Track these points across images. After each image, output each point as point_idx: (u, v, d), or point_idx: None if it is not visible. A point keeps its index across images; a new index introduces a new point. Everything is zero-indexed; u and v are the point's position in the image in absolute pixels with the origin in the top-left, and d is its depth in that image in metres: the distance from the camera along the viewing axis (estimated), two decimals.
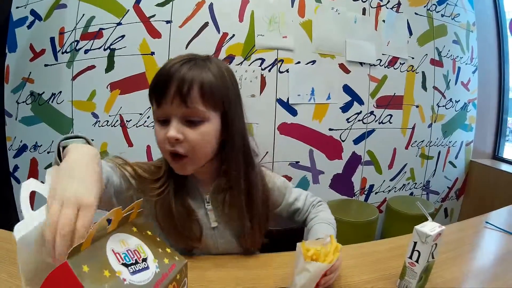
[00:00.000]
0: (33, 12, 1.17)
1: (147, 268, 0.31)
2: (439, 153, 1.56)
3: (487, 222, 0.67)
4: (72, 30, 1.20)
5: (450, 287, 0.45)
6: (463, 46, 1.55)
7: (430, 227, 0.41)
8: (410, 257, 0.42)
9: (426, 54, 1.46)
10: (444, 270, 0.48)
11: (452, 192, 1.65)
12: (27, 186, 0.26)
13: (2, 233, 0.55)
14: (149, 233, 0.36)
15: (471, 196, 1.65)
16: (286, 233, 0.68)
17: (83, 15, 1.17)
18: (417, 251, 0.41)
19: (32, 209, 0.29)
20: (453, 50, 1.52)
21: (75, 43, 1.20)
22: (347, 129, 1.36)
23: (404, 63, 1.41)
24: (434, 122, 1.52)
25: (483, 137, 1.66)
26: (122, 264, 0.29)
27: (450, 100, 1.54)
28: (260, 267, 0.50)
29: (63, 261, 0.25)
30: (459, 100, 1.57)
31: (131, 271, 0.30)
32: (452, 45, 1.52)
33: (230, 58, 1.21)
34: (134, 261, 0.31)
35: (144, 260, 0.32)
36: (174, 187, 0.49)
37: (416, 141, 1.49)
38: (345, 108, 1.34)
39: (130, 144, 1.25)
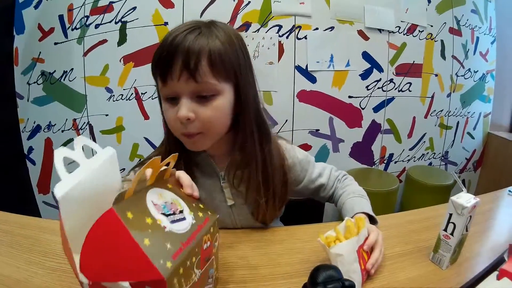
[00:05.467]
0: None
1: (184, 219, 0.32)
2: (457, 123, 1.53)
3: (510, 191, 0.64)
4: (81, 6, 1.17)
5: (481, 261, 0.43)
6: (482, 16, 1.50)
7: (465, 199, 0.39)
8: (445, 230, 0.40)
9: (445, 23, 1.41)
10: (473, 244, 0.47)
11: (470, 164, 1.63)
12: (59, 153, 0.26)
13: (18, 218, 0.53)
14: (183, 190, 0.36)
15: (488, 168, 1.63)
16: (307, 204, 0.66)
17: None
18: (453, 223, 0.39)
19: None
20: (471, 19, 1.47)
21: (85, 18, 1.17)
22: (366, 96, 1.34)
23: (423, 30, 1.37)
24: (453, 91, 1.48)
25: (500, 109, 1.63)
26: (162, 213, 0.30)
27: (469, 70, 1.50)
28: (289, 240, 0.48)
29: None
30: (477, 71, 1.53)
31: (170, 220, 0.30)
32: (471, 15, 1.47)
33: (246, 26, 1.18)
34: (172, 212, 0.31)
35: (181, 212, 0.32)
36: (184, 165, 0.45)
37: (435, 110, 1.46)
38: (365, 75, 1.31)
39: (146, 117, 1.24)
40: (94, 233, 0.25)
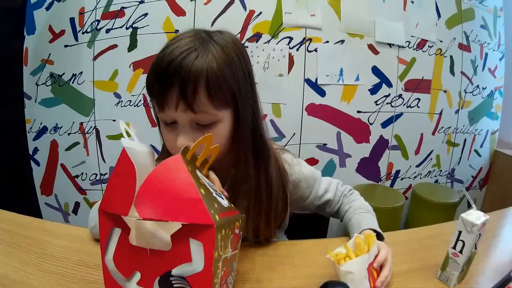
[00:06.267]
0: None
1: (222, 198, 0.33)
2: (465, 140, 1.52)
3: None
4: (93, 10, 1.17)
5: (488, 279, 0.42)
6: (491, 32, 1.50)
7: (475, 216, 0.39)
8: (454, 247, 0.39)
9: (454, 38, 1.41)
10: (480, 262, 0.46)
11: (476, 182, 1.61)
12: (123, 123, 0.32)
13: (18, 217, 0.53)
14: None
15: (494, 186, 1.61)
16: (312, 218, 0.65)
17: None
18: (462, 241, 0.39)
19: None
20: (480, 35, 1.47)
21: (96, 22, 1.18)
22: (375, 111, 1.33)
23: (432, 46, 1.37)
24: (461, 108, 1.47)
25: (508, 126, 1.61)
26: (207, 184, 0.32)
27: (477, 86, 1.50)
28: (295, 255, 0.48)
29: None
30: (486, 87, 1.52)
31: (213, 192, 0.32)
32: (480, 30, 1.47)
33: (257, 36, 1.17)
34: (214, 189, 0.33)
35: (219, 194, 0.34)
36: None
37: (443, 127, 1.45)
38: (374, 90, 1.31)
39: (153, 124, 1.23)
40: (157, 172, 0.27)
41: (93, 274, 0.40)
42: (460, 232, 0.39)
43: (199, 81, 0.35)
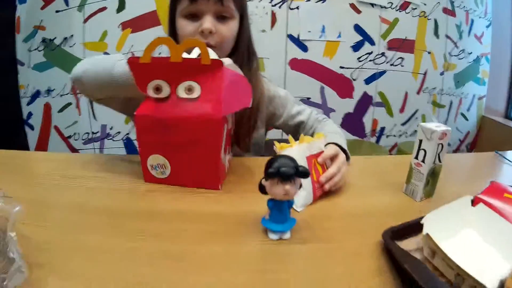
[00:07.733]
0: None
1: None
2: (451, 102, 1.53)
3: (497, 152, 0.61)
4: None
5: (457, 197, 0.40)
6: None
7: (435, 125, 0.39)
8: (416, 157, 0.39)
9: (438, 2, 1.43)
10: (451, 187, 0.44)
11: (463, 146, 1.63)
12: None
13: (7, 152, 0.52)
14: None
15: (482, 151, 1.61)
16: None
17: None
18: (423, 149, 0.38)
19: None
20: (466, 1, 1.48)
21: None
22: (358, 68, 1.35)
23: (416, 8, 1.39)
24: (446, 70, 1.49)
25: (495, 94, 1.62)
26: None
27: (463, 51, 1.51)
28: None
29: None
30: (471, 52, 1.54)
31: None
32: None
33: None
34: None
35: None
36: None
37: (427, 87, 1.47)
38: (356, 47, 1.33)
39: None
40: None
41: (82, 183, 0.41)
42: (420, 141, 0.38)
43: None
